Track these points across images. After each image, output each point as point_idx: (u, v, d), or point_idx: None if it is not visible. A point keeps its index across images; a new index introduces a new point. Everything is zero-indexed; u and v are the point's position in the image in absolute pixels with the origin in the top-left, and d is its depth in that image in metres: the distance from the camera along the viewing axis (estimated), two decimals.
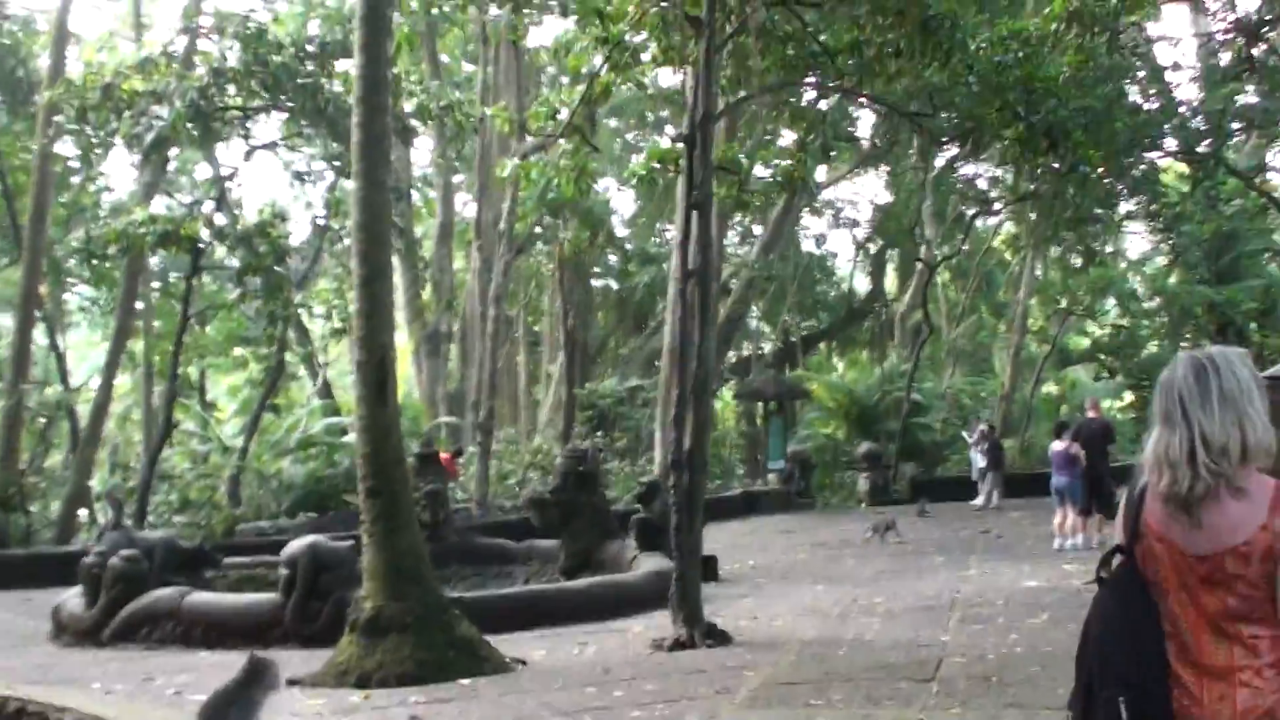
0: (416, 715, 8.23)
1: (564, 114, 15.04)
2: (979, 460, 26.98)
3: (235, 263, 23.89)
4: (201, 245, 22.47)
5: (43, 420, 27.77)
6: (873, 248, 52.17)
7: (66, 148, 28.27)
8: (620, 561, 15.54)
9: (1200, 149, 29.33)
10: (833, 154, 27.50)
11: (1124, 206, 33.58)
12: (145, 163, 25.14)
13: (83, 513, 26.00)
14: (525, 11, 14.95)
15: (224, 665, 9.98)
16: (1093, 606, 3.24)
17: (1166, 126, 28.48)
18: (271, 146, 26.97)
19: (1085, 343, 44.70)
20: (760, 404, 37.80)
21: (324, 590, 11.81)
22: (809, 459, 31.16)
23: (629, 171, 18.32)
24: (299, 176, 27.20)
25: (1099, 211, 28.56)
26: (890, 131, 37.03)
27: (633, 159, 42.08)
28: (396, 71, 22.38)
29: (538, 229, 33.00)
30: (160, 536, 15.07)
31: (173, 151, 27.02)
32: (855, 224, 51.25)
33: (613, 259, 45.23)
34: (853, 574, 16.05)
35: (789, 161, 16.80)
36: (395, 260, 33.57)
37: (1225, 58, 30.47)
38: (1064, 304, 38.19)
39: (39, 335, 31.91)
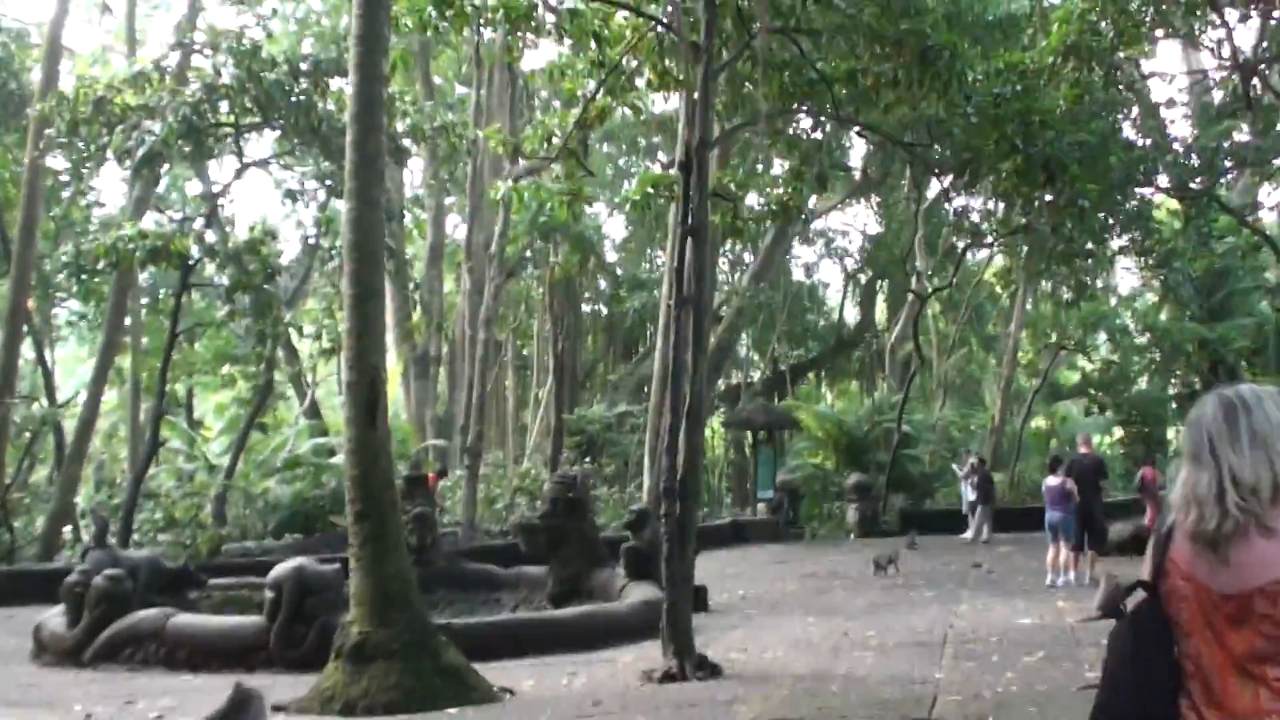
0: None
1: (558, 137, 14.99)
2: (969, 493, 26.87)
3: (225, 280, 23.74)
4: (191, 262, 22.28)
5: (28, 435, 27.51)
6: (863, 278, 52.20)
7: (58, 162, 28.13)
8: (609, 590, 15.39)
9: (1193, 186, 29.36)
10: (829, 182, 27.45)
11: (1116, 242, 33.66)
12: (136, 178, 24.97)
13: (67, 530, 25.76)
14: (520, 34, 14.86)
15: (207, 689, 9.86)
16: (1109, 640, 3.15)
17: (1160, 163, 28.52)
18: (263, 164, 26.83)
19: (1076, 377, 44.71)
20: (749, 433, 37.72)
21: (309, 614, 11.66)
22: (798, 489, 31.04)
23: (623, 197, 18.28)
24: (290, 195, 27.00)
25: (1091, 246, 28.54)
26: (883, 162, 37.18)
27: (625, 184, 42.26)
28: (390, 92, 22.36)
29: (528, 253, 32.93)
30: (144, 556, 14.90)
31: (164, 167, 26.87)
32: (846, 254, 51.29)
33: (603, 284, 45.16)
34: (843, 606, 15.90)
35: (783, 190, 16.75)
36: (387, 283, 33.57)
37: (1219, 95, 30.62)
38: (1055, 338, 38.20)
39: (26, 350, 31.71)
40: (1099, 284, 40.23)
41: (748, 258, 45.31)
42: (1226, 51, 25.40)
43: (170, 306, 26.00)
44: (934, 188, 35.63)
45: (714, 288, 32.61)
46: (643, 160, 46.48)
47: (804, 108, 15.58)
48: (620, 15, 14.23)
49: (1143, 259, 35.41)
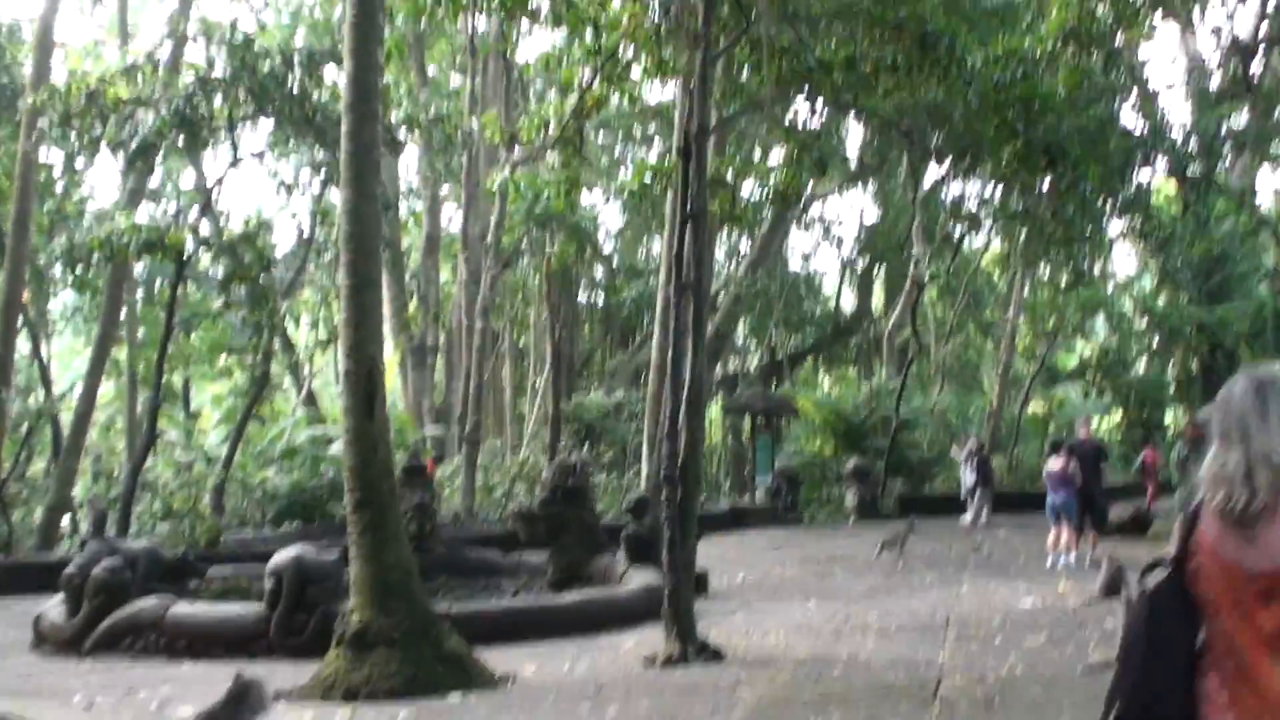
0: None
1: (554, 126, 14.94)
2: (968, 477, 26.84)
3: (220, 272, 23.67)
4: (186, 254, 22.18)
5: (25, 428, 27.43)
6: (860, 265, 52.13)
7: (52, 155, 28.06)
8: (610, 575, 15.37)
9: (1192, 170, 29.38)
10: (827, 169, 27.37)
11: (1115, 226, 33.67)
12: (130, 170, 24.88)
13: (65, 521, 25.71)
14: (515, 21, 14.79)
15: (208, 677, 9.83)
16: (1126, 618, 3.11)
17: (1159, 147, 28.53)
18: (258, 156, 26.76)
19: (1074, 361, 44.69)
20: (747, 420, 37.69)
21: (310, 602, 11.62)
22: (796, 474, 31.04)
23: (622, 184, 18.24)
24: (285, 186, 26.95)
25: (1089, 231, 28.56)
26: (880, 149, 37.13)
27: (621, 173, 42.21)
28: (385, 81, 22.28)
29: (525, 242, 32.83)
30: (143, 546, 14.81)
31: (158, 159, 26.81)
32: (842, 241, 51.25)
33: (600, 273, 45.09)
34: (844, 590, 15.88)
35: (781, 176, 16.70)
36: (383, 272, 33.52)
37: (1218, 78, 30.62)
38: (1052, 323, 38.17)
39: (22, 343, 31.64)
40: (1097, 269, 40.23)
41: (744, 246, 45.28)
42: (1226, 35, 25.40)
43: (166, 298, 25.93)
44: (931, 174, 35.67)
45: (711, 275, 32.58)
46: (639, 149, 46.39)
47: (803, 93, 15.56)
48: (617, 1, 14.18)
49: (1141, 243, 35.45)
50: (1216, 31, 26.25)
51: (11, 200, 24.25)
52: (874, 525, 27.25)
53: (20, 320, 26.92)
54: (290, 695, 9.36)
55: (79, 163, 30.18)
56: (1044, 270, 41.74)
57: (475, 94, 30.99)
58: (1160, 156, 29.47)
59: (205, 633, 11.97)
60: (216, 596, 14.78)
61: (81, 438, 27.17)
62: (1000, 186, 30.33)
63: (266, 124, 25.25)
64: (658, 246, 38.55)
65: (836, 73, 13.93)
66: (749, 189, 24.33)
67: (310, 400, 36.81)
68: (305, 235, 27.82)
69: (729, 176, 17.35)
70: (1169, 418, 43.67)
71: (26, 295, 27.93)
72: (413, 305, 37.31)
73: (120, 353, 35.71)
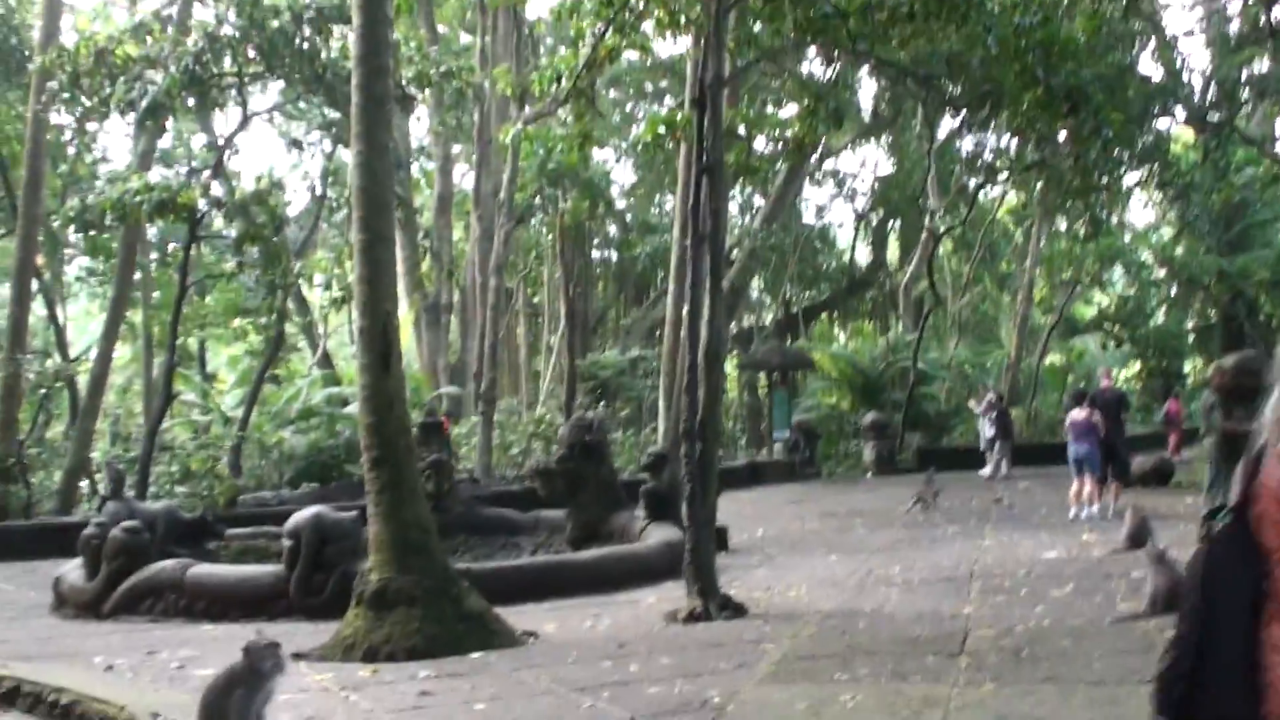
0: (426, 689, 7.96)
1: (566, 79, 14.71)
2: (987, 430, 26.69)
3: (233, 232, 23.56)
4: (198, 214, 22.06)
5: (42, 391, 27.46)
6: (874, 218, 51.82)
7: (63, 118, 27.90)
8: (629, 532, 15.29)
9: (1211, 118, 29.02)
10: (848, 116, 27.06)
11: (1132, 176, 33.32)
12: (140, 130, 24.73)
13: (84, 484, 25.77)
14: None
15: (228, 638, 9.76)
16: (1187, 567, 2.98)
17: (1178, 94, 28.17)
18: (271, 111, 26.57)
19: (1092, 312, 44.44)
20: (763, 375, 37.57)
21: (328, 562, 11.54)
22: (814, 429, 30.97)
23: (636, 138, 18.02)
24: (295, 144, 26.76)
25: (1107, 181, 28.26)
26: (895, 100, 36.76)
27: (633, 129, 41.91)
28: (395, 37, 22.05)
29: (537, 199, 32.65)
30: (161, 507, 14.83)
31: (168, 119, 26.62)
32: (856, 194, 50.91)
33: (613, 230, 44.87)
34: (865, 544, 15.79)
35: (797, 127, 16.46)
36: (396, 232, 33.36)
37: (1238, 24, 30.17)
38: (1070, 274, 37.88)
39: (38, 307, 31.62)
40: (1114, 219, 39.86)
41: (758, 201, 45.01)
42: None
43: (179, 260, 25.85)
44: (946, 126, 35.33)
45: (726, 228, 32.41)
46: (650, 105, 46.05)
47: (817, 44, 15.32)
48: None
49: (1160, 192, 35.11)
50: None
51: (23, 164, 24.15)
52: (892, 479, 27.23)
53: (35, 284, 26.87)
54: (310, 656, 9.29)
55: (90, 126, 30.00)
56: (1061, 221, 41.42)
57: (486, 51, 30.71)
58: (1179, 105, 29.09)
59: (224, 594, 11.92)
60: (235, 557, 14.78)
61: (98, 400, 27.19)
62: (1016, 138, 30.05)
63: (277, 84, 25.10)
64: (671, 203, 38.30)
65: (852, 20, 13.66)
66: (763, 144, 24.20)
67: (326, 361, 36.76)
68: (317, 194, 27.62)
69: (742, 130, 17.07)
70: (1188, 367, 43.45)
71: (41, 259, 27.88)
72: (426, 264, 37.13)
73: (136, 316, 35.72)
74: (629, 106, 47.39)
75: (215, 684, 5.11)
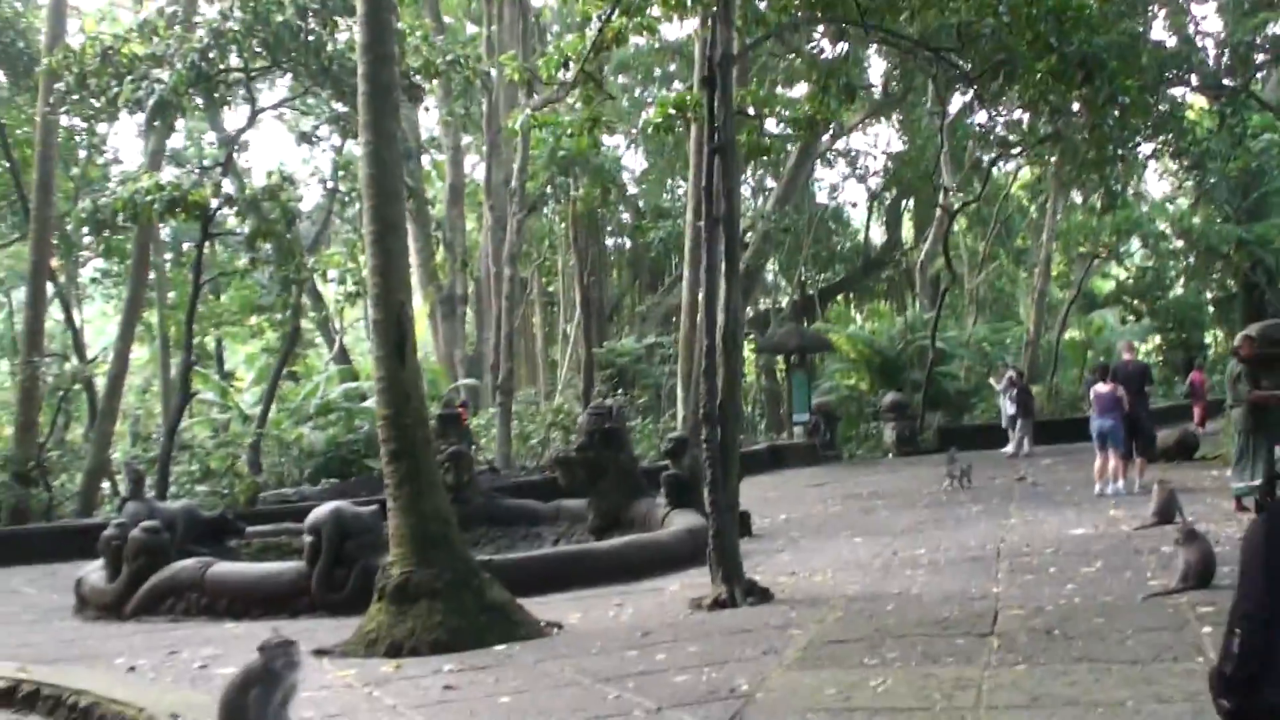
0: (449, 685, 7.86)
1: (574, 63, 14.58)
2: (1008, 407, 26.51)
3: (246, 229, 23.52)
4: (210, 212, 22.00)
5: (60, 394, 27.51)
6: (888, 197, 51.60)
7: (75, 121, 27.89)
8: (650, 520, 15.18)
9: (1227, 83, 28.72)
10: (858, 94, 26.75)
11: (1147, 146, 33.01)
12: (150, 129, 24.67)
13: (105, 485, 25.81)
14: None
15: (250, 636, 9.67)
16: (1244, 538, 2.86)
17: (1192, 60, 27.88)
18: (279, 106, 26.49)
19: (1110, 286, 44.16)
20: (781, 358, 37.41)
21: (349, 557, 11.45)
22: (833, 411, 30.82)
23: (648, 121, 17.89)
24: (305, 138, 26.71)
25: (1122, 152, 28.00)
26: (905, 76, 36.49)
27: (643, 115, 41.73)
28: (401, 27, 21.94)
29: (549, 188, 32.57)
30: (181, 506, 14.76)
31: (179, 120, 26.58)
32: (869, 174, 50.66)
33: (626, 216, 44.75)
34: (889, 525, 15.64)
35: (809, 105, 16.29)
36: (407, 224, 33.29)
37: None
38: (1086, 248, 37.62)
39: (55, 311, 31.66)
40: (1130, 190, 39.58)
41: (770, 183, 44.83)
42: None
43: (193, 259, 25.82)
44: (957, 101, 35.04)
45: (739, 209, 32.27)
46: (659, 90, 45.87)
47: (826, 19, 15.16)
48: None
49: (1176, 161, 34.81)
50: None
51: (33, 166, 24.11)
52: (914, 460, 27.07)
53: (51, 288, 26.88)
54: (333, 652, 9.22)
55: (101, 127, 29.99)
56: (1076, 195, 41.15)
57: (492, 41, 30.62)
58: (1192, 72, 28.80)
59: (245, 592, 11.85)
60: (256, 555, 14.73)
61: (116, 401, 27.21)
62: (1029, 112, 29.78)
63: (284, 79, 24.99)
64: (683, 187, 38.14)
65: None
66: (774, 125, 23.95)
67: (343, 356, 36.75)
68: (328, 188, 27.55)
69: (752, 110, 16.89)
70: (1209, 339, 43.18)
71: (56, 262, 27.88)
72: (440, 255, 37.09)
73: (152, 316, 35.74)
74: (638, 92, 47.22)
75: (232, 684, 5.04)
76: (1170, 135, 30.28)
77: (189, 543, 13.29)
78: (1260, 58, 30.39)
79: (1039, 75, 13.71)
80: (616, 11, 14.04)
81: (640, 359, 35.94)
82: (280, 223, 22.00)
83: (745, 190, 42.83)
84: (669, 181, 47.29)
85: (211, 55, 20.81)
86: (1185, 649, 7.36)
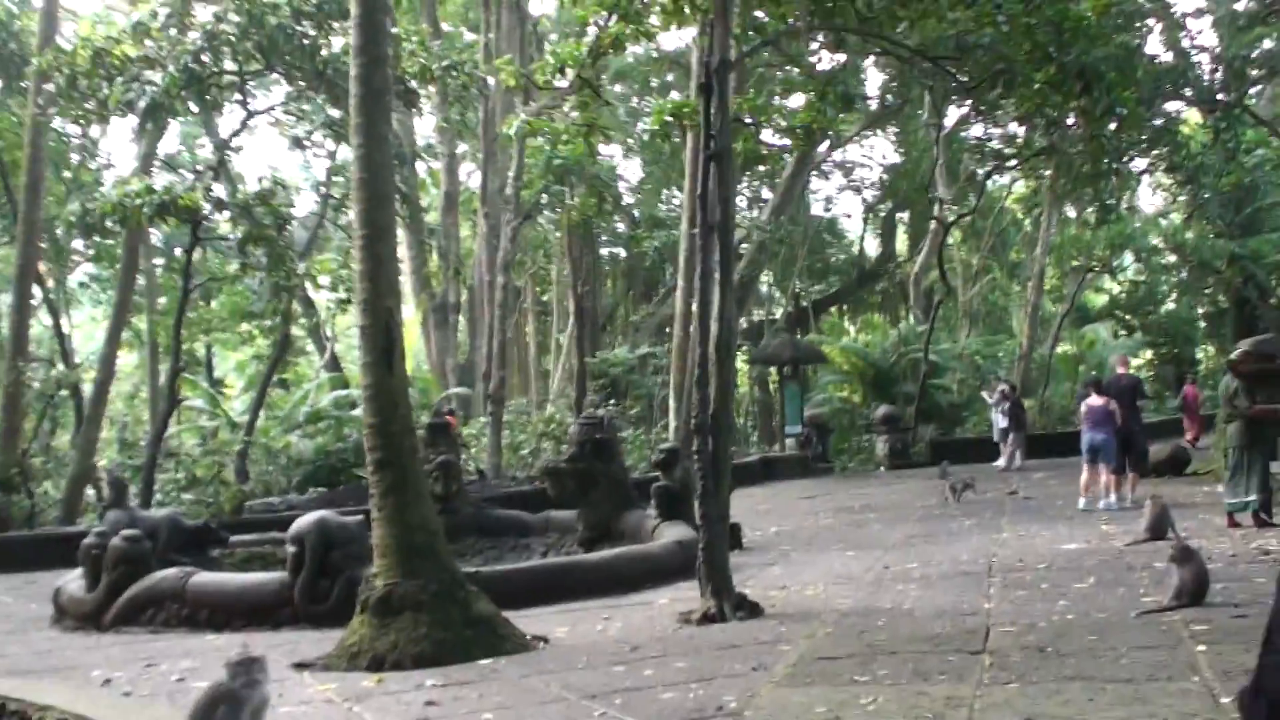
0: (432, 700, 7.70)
1: (570, 69, 14.48)
2: (1000, 421, 26.43)
3: (237, 235, 23.36)
4: (200, 216, 21.82)
5: (47, 399, 27.31)
6: (883, 210, 51.57)
7: (67, 126, 27.74)
8: (641, 531, 15.02)
9: (1220, 98, 28.68)
10: (855, 104, 26.70)
11: (1142, 161, 32.98)
12: (141, 131, 24.51)
13: (91, 492, 25.59)
14: None
15: (230, 648, 9.46)
16: None
17: (1187, 75, 27.85)
18: (270, 110, 26.35)
19: (1103, 300, 44.11)
20: (774, 369, 37.30)
21: (333, 568, 11.26)
22: (826, 423, 30.71)
23: (646, 128, 17.81)
24: (298, 143, 26.57)
25: (1117, 166, 27.96)
26: (902, 88, 36.46)
27: (639, 124, 41.68)
28: (397, 31, 21.81)
29: (544, 196, 32.45)
30: (164, 515, 14.57)
31: (174, 125, 26.45)
32: (864, 186, 50.61)
33: (621, 226, 44.64)
34: (881, 539, 15.50)
35: (807, 114, 16.20)
36: (401, 230, 33.14)
37: (1246, 1, 29.81)
38: (1079, 261, 37.56)
39: (45, 316, 31.47)
40: (1124, 204, 39.54)
41: (766, 194, 44.77)
42: None
43: (183, 264, 25.65)
44: (954, 114, 35.02)
45: (734, 218, 32.18)
46: (656, 99, 45.79)
47: (825, 28, 15.08)
48: None
49: (1170, 176, 34.78)
50: None
51: (23, 169, 23.94)
52: (906, 473, 26.95)
53: (40, 291, 26.69)
54: (314, 665, 9.05)
55: (94, 131, 29.84)
56: (1070, 209, 41.12)
57: (489, 47, 30.50)
58: (1188, 86, 28.77)
59: (227, 603, 11.66)
60: (240, 565, 14.53)
61: (102, 407, 27.04)
62: (1025, 126, 29.76)
63: (278, 84, 24.84)
64: (679, 198, 38.02)
65: (859, 1, 13.43)
66: (770, 136, 23.92)
67: (334, 364, 36.56)
68: (322, 194, 27.40)
69: (749, 119, 16.81)
70: (1200, 354, 43.12)
71: (45, 266, 27.70)
72: (433, 263, 36.94)
73: (142, 322, 35.55)
74: (634, 101, 47.16)
75: (198, 703, 4.89)
76: (1165, 150, 30.25)
77: (171, 552, 13.07)
78: (1255, 73, 30.38)
79: (1037, 85, 13.62)
80: (614, 18, 13.97)
81: (633, 369, 35.78)
82: (271, 228, 21.84)
83: (741, 200, 42.77)
84: (664, 191, 47.18)
85: (205, 58, 20.66)
86: (1180, 668, 7.23)
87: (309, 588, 11.26)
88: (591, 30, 14.00)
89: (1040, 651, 7.93)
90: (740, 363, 42.39)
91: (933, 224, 37.26)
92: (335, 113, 24.39)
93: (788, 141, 24.02)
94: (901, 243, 52.42)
